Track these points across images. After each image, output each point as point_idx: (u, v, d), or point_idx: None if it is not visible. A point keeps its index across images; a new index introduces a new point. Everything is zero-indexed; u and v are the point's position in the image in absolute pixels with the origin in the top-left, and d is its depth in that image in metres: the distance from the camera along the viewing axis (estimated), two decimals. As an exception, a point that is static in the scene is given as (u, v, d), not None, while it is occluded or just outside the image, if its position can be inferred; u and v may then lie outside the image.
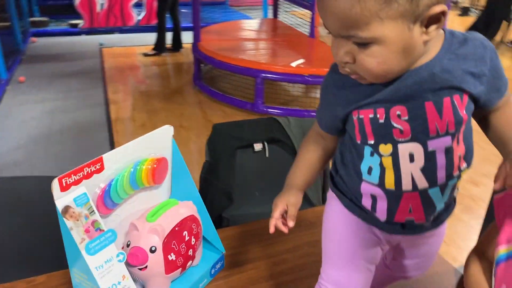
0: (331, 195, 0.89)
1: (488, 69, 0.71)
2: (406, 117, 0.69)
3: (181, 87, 4.45)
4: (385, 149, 0.72)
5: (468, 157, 0.76)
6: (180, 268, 0.87)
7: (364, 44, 0.63)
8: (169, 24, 5.34)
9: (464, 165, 0.76)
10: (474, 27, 6.00)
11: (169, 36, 5.47)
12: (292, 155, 1.62)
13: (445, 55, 0.68)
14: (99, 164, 0.77)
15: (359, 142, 0.74)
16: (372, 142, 0.72)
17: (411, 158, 0.71)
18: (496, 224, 0.91)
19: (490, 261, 0.93)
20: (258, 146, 1.60)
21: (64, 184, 0.71)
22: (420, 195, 0.74)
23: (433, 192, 0.75)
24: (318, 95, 3.93)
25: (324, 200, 1.67)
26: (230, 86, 4.09)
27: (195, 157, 2.97)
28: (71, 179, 0.72)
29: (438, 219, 0.83)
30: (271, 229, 0.80)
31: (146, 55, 5.44)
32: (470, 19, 6.54)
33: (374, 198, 0.77)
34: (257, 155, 1.61)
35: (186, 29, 6.31)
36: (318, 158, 0.86)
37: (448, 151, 0.72)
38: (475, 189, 2.63)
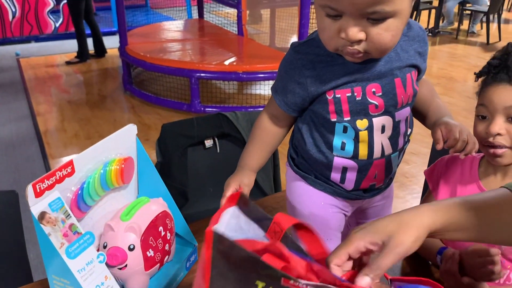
0: (293, 177, 0.94)
1: (426, 48, 0.84)
2: (380, 93, 0.78)
3: (111, 93, 4.32)
4: (362, 124, 0.79)
5: (411, 123, 0.88)
6: (158, 264, 0.87)
7: (381, 20, 0.65)
8: (88, 30, 5.14)
9: (409, 130, 0.87)
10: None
11: (90, 42, 5.26)
12: (242, 146, 1.66)
13: (401, 37, 0.76)
14: (70, 167, 0.76)
15: (333, 120, 0.80)
16: (348, 118, 0.79)
17: (383, 129, 0.80)
18: (429, 195, 1.04)
19: None
20: (209, 142, 1.62)
21: (38, 190, 0.70)
22: (385, 160, 0.83)
23: (394, 157, 0.85)
24: (252, 91, 4.02)
25: (276, 189, 1.73)
26: (163, 88, 4.03)
27: (137, 162, 2.90)
28: (44, 184, 0.71)
29: (390, 180, 0.94)
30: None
31: (69, 63, 5.20)
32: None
33: (344, 170, 0.84)
34: (209, 151, 1.63)
35: (108, 34, 6.10)
36: (271, 139, 0.91)
37: (407, 120, 0.83)
38: (407, 167, 2.83)
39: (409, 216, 0.56)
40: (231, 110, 3.59)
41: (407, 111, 0.83)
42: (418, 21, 6.40)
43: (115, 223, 0.82)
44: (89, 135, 3.38)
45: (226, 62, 3.60)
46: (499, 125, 0.86)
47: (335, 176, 0.86)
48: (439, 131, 0.81)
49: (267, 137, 0.90)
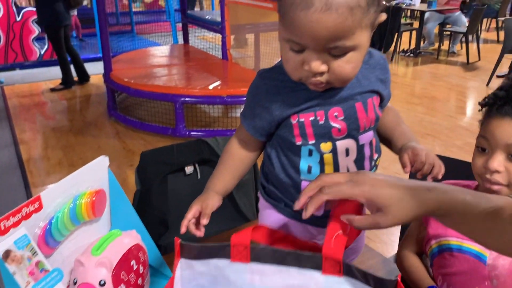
0: (264, 205, 0.94)
1: (388, 76, 0.87)
2: (342, 117, 0.80)
3: (95, 120, 4.30)
4: (326, 147, 0.81)
5: (378, 148, 0.90)
6: (131, 298, 0.86)
7: (342, 54, 0.69)
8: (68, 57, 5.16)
9: (376, 155, 0.89)
10: (371, 40, 6.52)
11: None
12: (223, 174, 1.66)
13: (363, 65, 0.78)
14: (37, 203, 0.75)
15: (298, 143, 0.81)
16: (312, 142, 0.81)
17: (347, 152, 0.82)
18: (418, 224, 1.04)
19: (418, 255, 1.06)
20: (189, 169, 1.61)
21: (2, 228, 0.68)
22: None
23: None
24: (237, 115, 4.03)
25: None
26: (148, 114, 4.03)
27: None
28: (9, 221, 0.70)
29: None
30: (182, 230, 0.83)
31: (53, 90, 5.18)
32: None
33: None
34: (189, 178, 1.63)
35: (94, 60, 6.11)
36: (239, 164, 0.91)
37: (371, 144, 0.86)
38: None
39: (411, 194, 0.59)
40: (216, 133, 3.61)
41: (370, 135, 0.85)
42: (400, 42, 6.56)
43: (85, 258, 0.81)
44: (73, 163, 3.34)
45: (211, 87, 3.62)
46: (498, 161, 0.84)
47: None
48: (406, 155, 0.83)
49: (235, 162, 0.91)
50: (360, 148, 0.84)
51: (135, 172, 1.58)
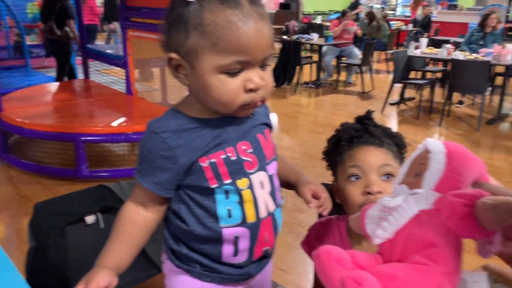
0: (174, 272, 0.86)
1: (268, 110, 0.90)
2: (251, 150, 0.80)
3: (-16, 165, 3.87)
4: (242, 183, 0.78)
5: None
6: None
7: (268, 65, 0.75)
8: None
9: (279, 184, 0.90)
10: (275, 72, 6.79)
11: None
12: (129, 220, 1.56)
13: None
14: None
15: (213, 186, 0.77)
16: (229, 181, 0.77)
17: (262, 185, 0.81)
18: None
19: None
20: (90, 219, 1.49)
21: None
22: (271, 219, 0.83)
23: (277, 213, 0.85)
24: (145, 151, 3.88)
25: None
26: (45, 155, 3.72)
27: (14, 243, 2.59)
28: None
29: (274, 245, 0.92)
30: None
31: None
32: (271, 65, 7.37)
33: (236, 240, 0.80)
34: (91, 228, 1.50)
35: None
36: (138, 232, 0.82)
37: (277, 174, 0.86)
38: (302, 216, 2.90)
39: None
40: (123, 173, 3.43)
41: (274, 165, 0.86)
42: (302, 75, 6.90)
43: None
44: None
45: (115, 123, 3.46)
46: (378, 183, 0.88)
47: (228, 249, 0.82)
48: (308, 192, 0.90)
49: (132, 230, 0.82)
50: (271, 179, 0.84)
51: (28, 227, 1.42)
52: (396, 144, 0.96)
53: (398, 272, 0.49)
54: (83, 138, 3.34)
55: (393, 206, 0.55)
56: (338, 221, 1.00)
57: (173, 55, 0.75)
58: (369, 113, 0.98)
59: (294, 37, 7.39)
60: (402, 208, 0.54)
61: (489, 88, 5.87)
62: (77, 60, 5.89)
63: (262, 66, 0.74)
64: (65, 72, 5.26)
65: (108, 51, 4.71)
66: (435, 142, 0.56)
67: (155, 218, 0.83)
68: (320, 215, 1.08)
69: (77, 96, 4.65)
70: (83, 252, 1.51)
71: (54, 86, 5.03)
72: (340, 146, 0.97)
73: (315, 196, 0.91)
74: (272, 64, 0.79)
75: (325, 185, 1.25)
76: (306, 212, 2.93)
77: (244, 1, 0.71)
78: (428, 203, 0.53)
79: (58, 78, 5.34)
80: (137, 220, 0.81)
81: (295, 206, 2.96)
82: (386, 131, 0.98)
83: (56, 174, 3.49)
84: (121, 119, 3.56)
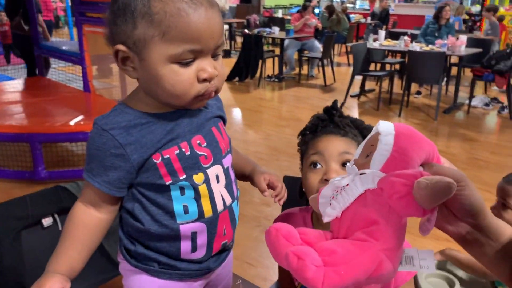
0: (131, 271, 0.84)
1: (221, 103, 0.90)
2: (205, 143, 0.78)
3: None
4: (198, 178, 0.77)
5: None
6: None
7: (217, 55, 0.74)
8: None
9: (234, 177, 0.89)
10: (237, 66, 6.78)
11: None
12: (89, 221, 1.51)
13: None
14: None
15: (168, 183, 0.75)
16: (183, 177, 0.76)
17: (217, 179, 0.80)
18: None
19: None
20: (47, 221, 1.44)
21: None
22: (228, 212, 0.82)
23: (234, 206, 0.85)
24: (105, 150, 3.78)
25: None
26: (0, 157, 3.57)
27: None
28: None
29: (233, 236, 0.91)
30: None
31: None
32: (233, 60, 7.35)
33: (194, 236, 0.79)
34: (49, 231, 1.45)
35: None
36: (89, 234, 0.78)
37: (232, 167, 0.86)
38: (268, 209, 2.91)
39: None
40: (82, 173, 3.32)
41: (230, 157, 0.86)
42: (265, 69, 6.91)
43: None
44: None
45: (72, 122, 3.34)
46: (337, 171, 0.90)
47: (186, 246, 0.80)
48: (262, 181, 0.91)
49: (84, 232, 0.77)
50: (226, 172, 0.83)
51: (-21, 233, 1.35)
52: (365, 136, 0.97)
53: (338, 247, 0.51)
54: (39, 138, 3.22)
55: (342, 185, 0.57)
56: (303, 212, 1.01)
57: (120, 46, 0.71)
58: (335, 103, 0.99)
59: (256, 30, 7.39)
60: (350, 187, 0.56)
61: (445, 79, 6.09)
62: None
63: (214, 56, 0.73)
64: (35, 68, 5.09)
65: (64, 47, 4.54)
66: (386, 124, 0.57)
67: (107, 219, 0.80)
68: (284, 208, 1.09)
69: (32, 95, 4.46)
70: (40, 257, 1.46)
71: (7, 85, 4.81)
72: (306, 136, 0.98)
73: (271, 186, 0.94)
74: (233, 57, 0.79)
75: (290, 178, 1.25)
76: (272, 206, 2.94)
77: None
78: (373, 183, 0.54)
79: (30, 74, 5.19)
80: (89, 222, 0.78)
81: (261, 200, 2.96)
82: (355, 123, 0.99)
83: (12, 176, 3.35)
84: (79, 118, 3.45)
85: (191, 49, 0.69)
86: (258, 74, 6.86)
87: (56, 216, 1.44)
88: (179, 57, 0.69)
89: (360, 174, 0.56)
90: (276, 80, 7.07)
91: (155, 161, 0.74)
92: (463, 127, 4.87)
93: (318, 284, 0.47)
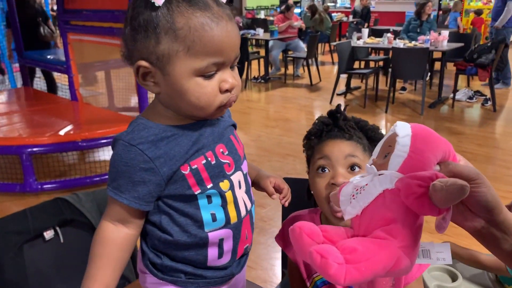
0: (157, 284, 0.83)
1: (229, 111, 0.91)
2: (227, 152, 0.81)
3: None
4: (224, 185, 0.80)
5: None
6: None
7: (234, 65, 0.76)
8: None
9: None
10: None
11: None
12: (91, 231, 1.50)
13: None
14: None
15: (197, 192, 0.77)
16: (211, 185, 0.77)
17: (240, 185, 0.82)
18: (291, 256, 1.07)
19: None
20: (49, 234, 1.42)
21: None
22: (249, 216, 0.86)
23: (253, 210, 0.88)
24: (96, 159, 3.76)
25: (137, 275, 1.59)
26: (-12, 171, 3.52)
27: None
28: None
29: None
30: None
31: None
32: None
33: (221, 243, 0.81)
34: (50, 244, 1.44)
35: None
36: (119, 251, 0.77)
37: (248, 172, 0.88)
38: (263, 211, 2.93)
39: None
40: (75, 182, 3.30)
41: (246, 163, 0.89)
42: (250, 70, 6.92)
43: None
44: None
45: (62, 132, 3.32)
46: (344, 175, 0.91)
47: (213, 253, 0.81)
48: (269, 184, 0.95)
49: (116, 250, 0.76)
50: (245, 178, 0.86)
51: (-20, 249, 1.34)
52: (369, 137, 0.99)
53: (359, 245, 0.53)
54: (29, 150, 3.18)
55: (362, 185, 0.60)
56: (312, 214, 1.03)
57: (142, 62, 0.71)
58: (338, 107, 1.01)
59: (240, 32, 7.39)
60: (369, 187, 0.59)
61: (429, 74, 6.18)
62: (15, 68, 5.59)
63: (231, 66, 0.76)
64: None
65: (49, 56, 4.49)
66: (403, 125, 0.60)
67: (135, 234, 0.79)
68: (283, 209, 1.11)
69: (18, 106, 4.41)
70: (43, 270, 1.45)
71: (-9, 96, 4.74)
72: (311, 141, 1.00)
73: (277, 189, 0.97)
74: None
75: (288, 179, 1.27)
76: (267, 207, 2.96)
77: (212, 3, 0.71)
78: (391, 183, 0.57)
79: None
80: (119, 239, 0.77)
81: (256, 202, 2.95)
82: (360, 124, 1.01)
83: (2, 190, 3.30)
84: (69, 127, 3.42)
85: (215, 62, 0.71)
86: (244, 76, 6.87)
87: (57, 228, 1.43)
88: (204, 70, 0.71)
89: (379, 174, 0.58)
90: (263, 81, 7.09)
91: (183, 172, 0.75)
92: (448, 121, 4.96)
93: (340, 280, 0.50)
